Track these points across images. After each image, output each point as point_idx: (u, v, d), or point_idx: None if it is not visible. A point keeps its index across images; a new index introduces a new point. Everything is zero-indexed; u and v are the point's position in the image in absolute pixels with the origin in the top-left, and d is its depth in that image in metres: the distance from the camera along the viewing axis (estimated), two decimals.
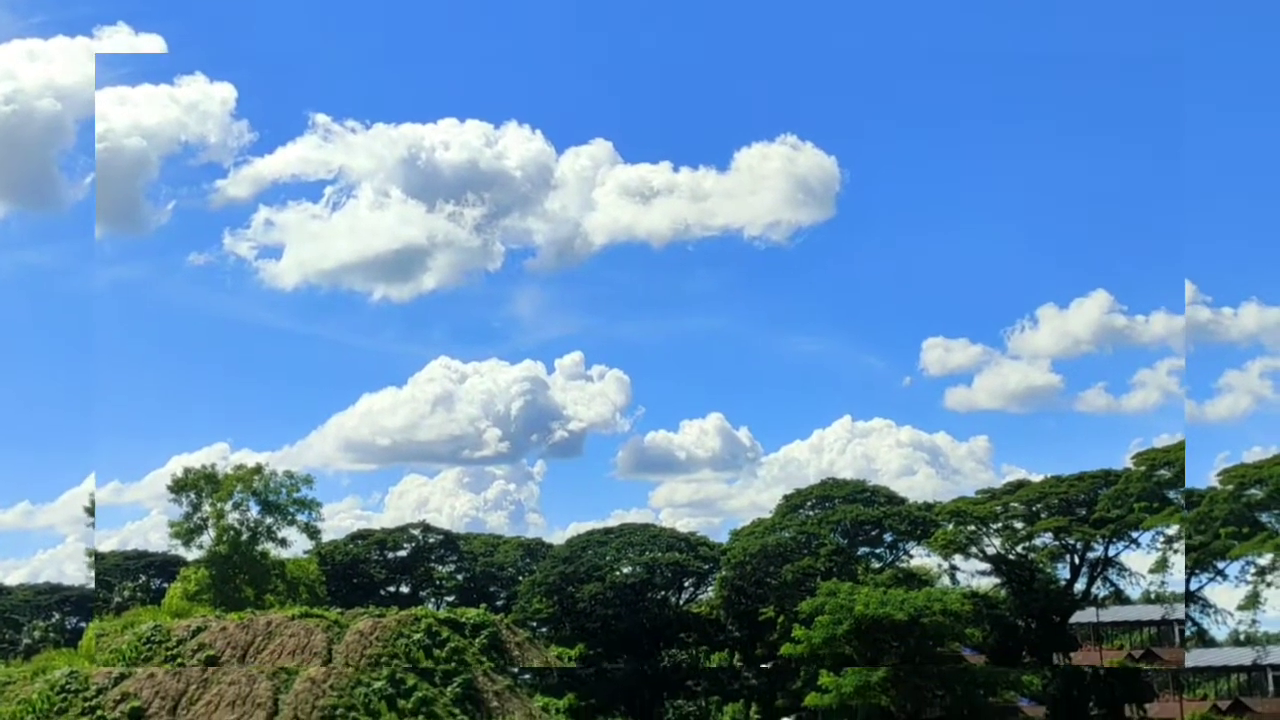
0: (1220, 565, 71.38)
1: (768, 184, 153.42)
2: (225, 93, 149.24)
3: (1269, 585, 67.23)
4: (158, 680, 50.05)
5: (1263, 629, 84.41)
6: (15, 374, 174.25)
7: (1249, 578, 68.70)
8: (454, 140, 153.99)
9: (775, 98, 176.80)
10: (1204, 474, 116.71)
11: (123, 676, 50.50)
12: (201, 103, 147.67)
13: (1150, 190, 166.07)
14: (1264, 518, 70.27)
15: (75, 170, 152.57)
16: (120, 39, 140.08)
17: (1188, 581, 71.70)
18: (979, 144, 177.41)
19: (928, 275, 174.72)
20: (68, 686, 50.58)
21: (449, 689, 51.93)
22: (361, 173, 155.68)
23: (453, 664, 54.16)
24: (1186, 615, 76.53)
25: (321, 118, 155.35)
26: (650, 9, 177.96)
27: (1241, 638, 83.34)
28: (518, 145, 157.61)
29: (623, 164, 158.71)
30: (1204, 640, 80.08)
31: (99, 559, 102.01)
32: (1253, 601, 68.11)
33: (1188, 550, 73.45)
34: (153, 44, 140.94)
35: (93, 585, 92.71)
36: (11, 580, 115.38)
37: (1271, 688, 79.12)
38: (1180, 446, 77.69)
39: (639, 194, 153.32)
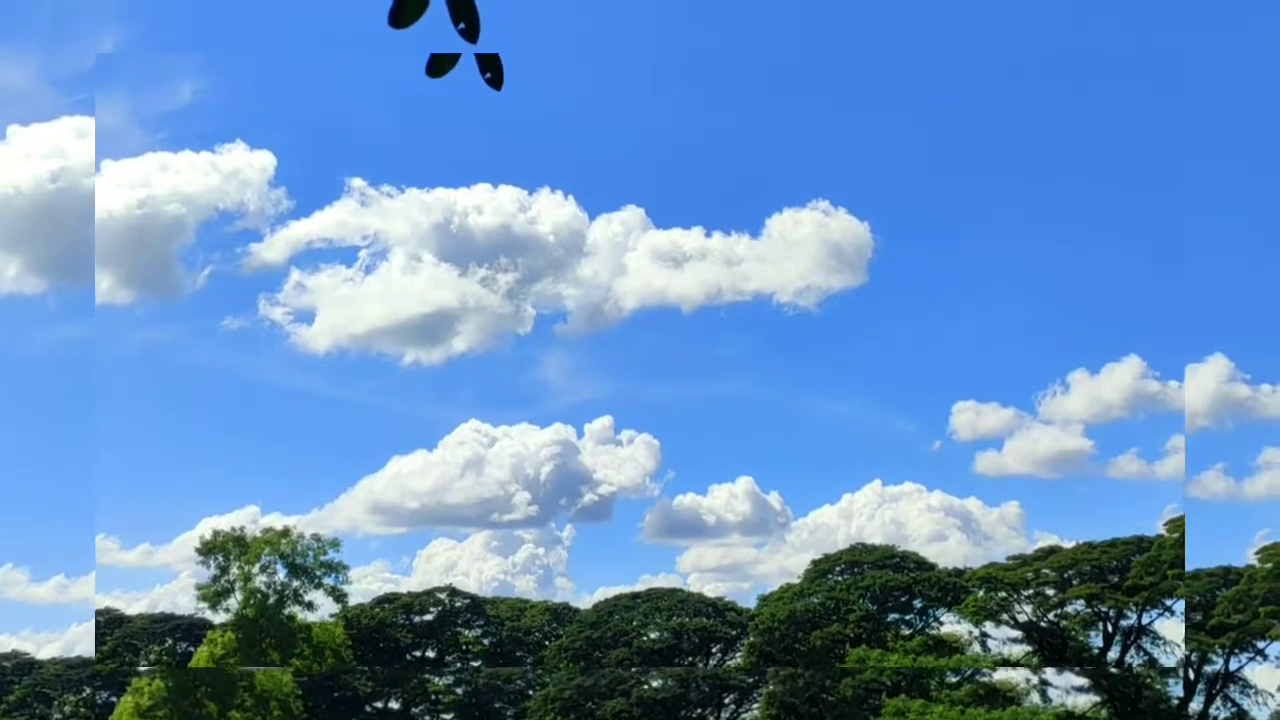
0: (1260, 645, 69.99)
1: (800, 250, 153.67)
2: (265, 160, 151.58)
3: None
4: None
5: None
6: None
7: None
8: (487, 205, 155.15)
9: (807, 164, 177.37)
10: (1243, 551, 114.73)
11: None
12: (241, 170, 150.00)
13: (1185, 260, 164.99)
14: None
15: (194, 263, 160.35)
16: (238, 154, 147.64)
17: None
18: (1012, 209, 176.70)
19: (958, 339, 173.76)
20: None
21: None
22: (395, 237, 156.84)
23: None
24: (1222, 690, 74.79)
25: (358, 182, 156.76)
26: (682, 76, 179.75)
27: None
28: (550, 211, 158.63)
29: (655, 229, 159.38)
30: None
31: (103, 626, 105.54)
32: None
33: (1227, 630, 71.63)
34: (265, 160, 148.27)
35: (201, 614, 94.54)
36: (132, 610, 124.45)
37: None
38: None
39: (671, 259, 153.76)
